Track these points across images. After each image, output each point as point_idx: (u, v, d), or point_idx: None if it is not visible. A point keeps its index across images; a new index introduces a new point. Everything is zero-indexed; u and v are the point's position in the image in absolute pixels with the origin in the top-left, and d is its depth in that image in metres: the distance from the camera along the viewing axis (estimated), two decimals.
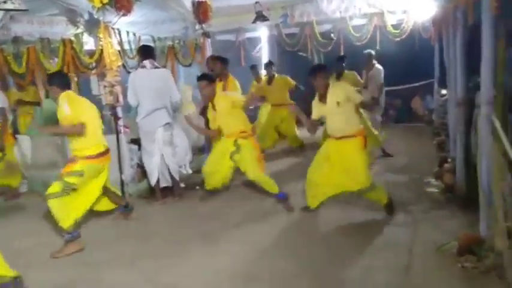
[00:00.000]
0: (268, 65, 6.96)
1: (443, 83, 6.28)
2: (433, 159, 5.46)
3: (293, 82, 6.74)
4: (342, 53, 7.43)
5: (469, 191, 3.72)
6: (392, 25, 7.46)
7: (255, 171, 4.29)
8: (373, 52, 6.53)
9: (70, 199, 3.52)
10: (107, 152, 3.77)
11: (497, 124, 2.64)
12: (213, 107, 4.38)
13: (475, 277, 2.63)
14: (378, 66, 6.39)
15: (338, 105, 3.67)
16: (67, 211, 3.50)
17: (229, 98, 4.41)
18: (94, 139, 3.66)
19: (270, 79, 6.81)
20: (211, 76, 4.48)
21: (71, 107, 3.52)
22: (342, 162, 3.73)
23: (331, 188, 3.86)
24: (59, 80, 3.64)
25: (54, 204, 3.44)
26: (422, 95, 8.74)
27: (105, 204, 4.10)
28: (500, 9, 2.52)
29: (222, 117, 4.35)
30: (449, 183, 4.24)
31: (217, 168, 4.47)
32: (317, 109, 3.86)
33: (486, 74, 2.74)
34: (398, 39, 7.41)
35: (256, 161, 4.33)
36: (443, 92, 7.20)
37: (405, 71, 8.57)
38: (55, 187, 3.47)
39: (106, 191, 3.97)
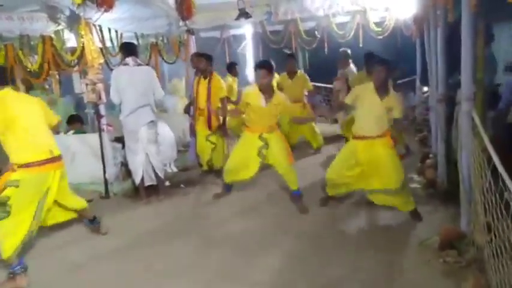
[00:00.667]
0: (290, 57, 6.52)
1: (425, 80, 6.38)
2: (415, 155, 5.55)
3: (311, 86, 6.52)
4: (326, 50, 7.49)
5: (451, 187, 3.80)
6: (374, 23, 7.56)
7: (285, 163, 4.11)
8: (348, 51, 6.64)
9: (8, 221, 2.91)
10: (54, 159, 3.12)
11: (477, 120, 2.70)
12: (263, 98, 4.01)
13: (456, 271, 2.69)
14: (352, 66, 6.56)
15: (385, 110, 3.58)
16: (5, 235, 2.91)
17: (284, 102, 4.10)
18: (33, 145, 3.04)
19: (292, 73, 6.36)
20: (271, 64, 4.07)
21: None
22: (373, 163, 3.64)
23: (358, 184, 3.79)
24: None
25: None
26: (405, 92, 8.87)
27: (61, 215, 3.55)
28: (479, 7, 2.57)
29: (262, 112, 4.06)
30: (431, 178, 4.32)
31: (244, 164, 4.26)
32: (363, 96, 3.62)
33: (466, 71, 2.79)
34: (380, 36, 7.51)
35: (286, 153, 4.14)
36: (425, 89, 7.32)
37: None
38: None
39: (70, 210, 3.52)
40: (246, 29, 8.87)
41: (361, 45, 7.65)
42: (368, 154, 3.65)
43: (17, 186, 2.95)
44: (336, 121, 7.52)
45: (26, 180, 2.98)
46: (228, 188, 4.61)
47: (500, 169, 2.12)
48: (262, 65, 4.00)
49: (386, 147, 3.63)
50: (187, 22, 6.51)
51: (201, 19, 7.40)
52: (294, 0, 7.63)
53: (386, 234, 3.40)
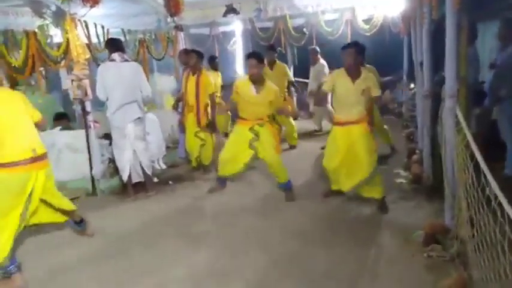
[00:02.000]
0: (270, 49, 6.59)
1: (412, 76, 6.46)
2: (402, 150, 5.61)
3: (291, 76, 6.67)
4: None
5: (436, 182, 3.85)
6: (363, 20, 7.60)
7: (273, 154, 4.18)
8: (317, 48, 7.21)
9: None
10: (37, 158, 2.90)
11: (461, 116, 2.74)
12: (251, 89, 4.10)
13: (440, 265, 2.73)
14: (322, 61, 7.14)
15: (360, 93, 3.66)
16: None
17: (275, 92, 4.18)
18: (11, 146, 2.81)
19: (271, 64, 6.40)
20: (261, 55, 4.19)
21: None
22: (350, 151, 3.73)
23: (350, 181, 3.82)
24: None
25: None
26: (392, 88, 8.96)
27: (45, 216, 3.31)
28: (462, 4, 2.60)
29: (253, 101, 4.13)
30: (417, 174, 4.37)
31: (236, 157, 4.30)
32: (337, 81, 3.73)
33: (449, 68, 2.83)
34: (368, 33, 7.56)
35: (275, 145, 4.22)
36: (412, 85, 7.40)
37: (376, 65, 8.73)
38: None
39: (57, 210, 3.32)
40: (236, 26, 8.84)
41: (349, 42, 7.66)
42: (346, 141, 3.76)
43: None
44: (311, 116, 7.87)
45: (6, 180, 2.78)
46: (222, 181, 4.61)
47: (482, 165, 2.15)
48: (252, 55, 4.10)
49: (362, 132, 3.73)
50: (175, 18, 6.46)
51: (190, 15, 7.37)
52: None
53: (372, 229, 3.44)
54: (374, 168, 3.72)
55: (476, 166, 2.25)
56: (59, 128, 5.22)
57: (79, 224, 3.56)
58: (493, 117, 4.37)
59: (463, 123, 2.67)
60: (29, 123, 3.00)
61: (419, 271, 2.72)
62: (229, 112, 7.76)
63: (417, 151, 5.05)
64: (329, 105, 6.67)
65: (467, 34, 3.01)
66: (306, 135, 7.55)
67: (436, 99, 3.91)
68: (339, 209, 3.91)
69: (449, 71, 2.83)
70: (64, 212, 3.39)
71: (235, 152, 4.29)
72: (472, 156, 2.35)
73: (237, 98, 4.21)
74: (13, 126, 2.86)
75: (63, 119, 5.65)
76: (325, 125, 7.47)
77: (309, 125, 8.03)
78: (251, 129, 4.18)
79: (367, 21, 7.62)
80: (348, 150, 3.76)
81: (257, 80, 4.09)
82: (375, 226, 3.49)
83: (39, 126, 3.19)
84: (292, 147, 6.68)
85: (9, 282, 2.85)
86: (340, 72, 3.77)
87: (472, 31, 4.10)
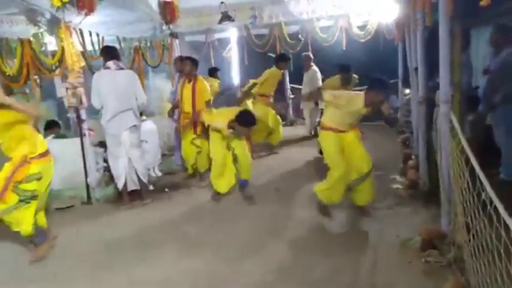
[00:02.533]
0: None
1: (407, 82, 6.50)
2: (398, 156, 5.62)
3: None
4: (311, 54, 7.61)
5: (432, 187, 3.85)
6: (357, 26, 7.66)
7: (244, 148, 4.44)
8: (311, 55, 7.34)
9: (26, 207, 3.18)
10: (48, 150, 3.41)
11: (455, 122, 2.75)
12: None
13: (438, 271, 2.72)
14: (314, 68, 7.33)
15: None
16: (22, 218, 3.19)
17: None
18: (36, 137, 3.33)
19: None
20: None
21: None
22: (345, 151, 3.80)
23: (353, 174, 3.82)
24: None
25: (8, 215, 3.13)
26: (387, 94, 8.99)
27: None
28: (456, 11, 2.62)
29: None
30: (412, 179, 4.38)
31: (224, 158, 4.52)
32: (351, 104, 3.66)
33: (443, 73, 2.85)
34: (363, 40, 7.62)
35: (246, 142, 4.50)
36: (407, 91, 7.45)
37: (370, 71, 8.78)
38: (9, 201, 3.09)
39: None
40: (231, 33, 8.89)
41: (344, 49, 7.75)
42: (342, 142, 3.80)
43: (40, 179, 3.25)
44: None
45: (43, 169, 3.28)
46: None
47: (478, 170, 2.16)
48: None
49: (355, 136, 3.83)
50: (171, 26, 6.48)
51: (185, 23, 7.40)
52: (278, 4, 7.70)
53: (368, 235, 3.43)
54: (372, 166, 3.77)
55: (472, 171, 2.25)
56: (52, 136, 5.19)
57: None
58: (488, 122, 4.39)
59: (458, 129, 2.68)
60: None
61: (417, 277, 2.71)
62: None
63: (413, 156, 5.06)
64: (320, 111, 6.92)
65: (461, 40, 3.03)
66: (300, 140, 7.55)
67: (431, 104, 3.94)
68: (333, 217, 3.89)
69: (443, 77, 2.85)
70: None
71: (221, 150, 4.51)
72: (467, 161, 2.36)
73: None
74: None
75: (54, 127, 5.61)
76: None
77: (304, 131, 8.01)
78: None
79: (361, 27, 7.68)
80: (348, 152, 3.79)
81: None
82: (371, 232, 3.48)
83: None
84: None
85: (37, 251, 3.37)
86: (358, 101, 3.65)
87: (466, 37, 4.14)
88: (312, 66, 7.33)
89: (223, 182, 4.58)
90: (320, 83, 7.08)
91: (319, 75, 7.24)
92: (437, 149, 3.27)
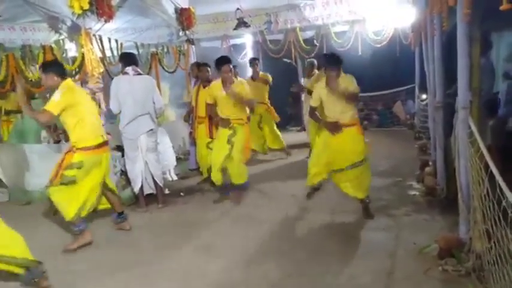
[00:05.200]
0: (253, 61, 6.88)
1: (424, 87, 6.42)
2: (415, 162, 5.54)
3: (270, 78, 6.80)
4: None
5: (450, 194, 3.79)
6: (373, 32, 7.61)
7: (239, 153, 4.51)
8: (315, 61, 7.08)
9: (70, 189, 3.49)
10: (105, 143, 3.71)
11: (474, 128, 2.70)
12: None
13: (456, 280, 2.66)
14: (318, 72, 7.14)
15: (344, 97, 3.73)
16: (68, 201, 3.50)
17: (245, 87, 4.53)
18: (91, 131, 3.58)
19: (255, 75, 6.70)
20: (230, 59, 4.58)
21: (65, 95, 3.42)
22: (340, 143, 3.83)
23: (334, 165, 3.94)
24: (57, 68, 3.58)
25: (54, 194, 3.47)
26: (404, 99, 8.91)
27: (104, 202, 4.00)
28: (473, 15, 2.58)
29: (228, 106, 4.48)
30: (430, 186, 4.31)
31: (219, 156, 4.55)
32: (321, 94, 3.87)
33: (462, 79, 2.81)
34: (379, 45, 7.56)
35: (244, 147, 4.56)
36: (424, 96, 7.35)
37: (387, 76, 8.73)
38: (54, 182, 3.46)
39: (105, 188, 3.86)
40: (246, 39, 8.94)
41: (359, 54, 7.70)
42: (337, 138, 3.83)
43: (80, 168, 3.47)
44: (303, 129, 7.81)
45: (86, 161, 3.51)
46: (223, 189, 4.75)
47: (498, 177, 2.12)
48: (223, 61, 4.44)
49: (355, 132, 3.86)
50: (187, 32, 6.57)
51: (202, 29, 7.48)
52: (293, 10, 7.72)
53: (385, 242, 3.38)
54: (366, 156, 3.85)
55: (491, 178, 2.21)
56: None
57: (120, 215, 4.02)
58: (508, 127, 4.30)
59: (477, 135, 2.64)
60: (96, 115, 3.79)
61: (434, 285, 2.66)
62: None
63: (430, 163, 4.98)
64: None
65: (481, 45, 2.99)
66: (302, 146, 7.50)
67: (451, 110, 3.88)
68: (351, 222, 3.86)
69: (461, 82, 2.81)
70: (113, 198, 3.98)
71: (219, 152, 4.57)
72: (487, 168, 2.31)
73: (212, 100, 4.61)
74: (92, 116, 3.65)
75: None
76: None
77: (303, 136, 7.93)
78: (230, 127, 4.49)
79: (377, 33, 7.63)
80: (339, 148, 3.84)
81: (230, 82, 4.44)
82: (388, 239, 3.44)
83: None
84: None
85: (82, 239, 3.62)
86: (320, 85, 3.93)
87: (486, 41, 4.07)
88: (315, 73, 7.00)
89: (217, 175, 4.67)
90: None
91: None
92: (455, 155, 3.22)
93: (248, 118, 4.73)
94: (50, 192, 3.49)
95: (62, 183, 3.45)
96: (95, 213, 4.04)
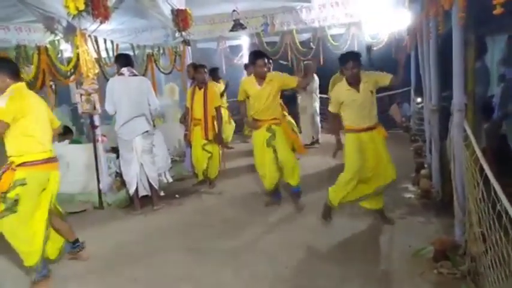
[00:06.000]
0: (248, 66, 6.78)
1: (420, 90, 6.44)
2: (410, 165, 5.55)
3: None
4: (321, 62, 7.62)
5: (445, 197, 3.80)
6: (369, 34, 7.64)
7: (287, 151, 4.22)
8: (311, 63, 7.25)
9: (22, 220, 2.87)
10: (53, 159, 3.08)
11: (469, 131, 2.71)
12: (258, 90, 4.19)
13: (451, 283, 2.66)
14: (315, 76, 7.40)
15: (372, 94, 3.56)
16: (27, 239, 2.91)
17: (281, 76, 4.24)
18: (38, 143, 2.96)
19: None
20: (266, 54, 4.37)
21: (11, 101, 2.81)
22: (374, 155, 3.61)
23: (365, 187, 3.67)
24: (8, 67, 2.95)
25: (6, 230, 2.85)
26: (400, 102, 8.93)
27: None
28: (468, 19, 2.59)
29: (265, 101, 4.17)
30: (425, 188, 4.32)
31: (264, 165, 4.31)
32: (342, 97, 3.58)
33: (457, 82, 2.82)
34: (375, 48, 7.58)
35: (289, 145, 4.28)
36: (419, 99, 7.38)
37: None
38: None
39: (54, 214, 3.21)
40: (243, 40, 8.95)
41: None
42: (368, 145, 3.61)
43: (24, 184, 2.86)
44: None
45: (32, 177, 2.90)
46: (275, 194, 4.56)
47: (492, 180, 2.12)
48: (259, 55, 4.22)
49: (382, 138, 3.65)
50: (183, 33, 6.56)
51: (198, 30, 7.48)
52: (289, 12, 7.73)
53: (380, 244, 3.38)
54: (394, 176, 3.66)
55: (486, 181, 2.21)
56: (67, 141, 5.27)
57: (75, 244, 3.42)
58: (503, 131, 4.33)
59: (472, 138, 2.64)
60: (49, 127, 3.16)
61: None
62: (233, 122, 7.84)
63: (425, 165, 5.00)
64: (317, 119, 7.36)
65: (476, 48, 3.00)
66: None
67: (446, 113, 3.89)
68: (345, 225, 3.85)
69: (456, 85, 2.82)
70: (61, 227, 3.32)
71: (262, 160, 4.32)
72: (482, 171, 2.32)
73: (244, 96, 4.35)
74: (42, 126, 3.02)
75: (67, 133, 5.70)
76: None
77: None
78: (268, 129, 4.21)
79: (373, 35, 7.66)
80: (371, 154, 3.62)
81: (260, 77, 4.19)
82: (383, 242, 3.44)
83: (55, 132, 3.31)
84: None
85: (42, 285, 3.00)
86: (341, 86, 3.62)
87: (481, 45, 4.09)
88: (312, 75, 7.25)
89: (267, 180, 4.42)
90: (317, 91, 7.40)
91: (317, 83, 7.37)
92: (450, 158, 3.22)
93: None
94: (3, 231, 2.86)
95: (6, 209, 2.82)
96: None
